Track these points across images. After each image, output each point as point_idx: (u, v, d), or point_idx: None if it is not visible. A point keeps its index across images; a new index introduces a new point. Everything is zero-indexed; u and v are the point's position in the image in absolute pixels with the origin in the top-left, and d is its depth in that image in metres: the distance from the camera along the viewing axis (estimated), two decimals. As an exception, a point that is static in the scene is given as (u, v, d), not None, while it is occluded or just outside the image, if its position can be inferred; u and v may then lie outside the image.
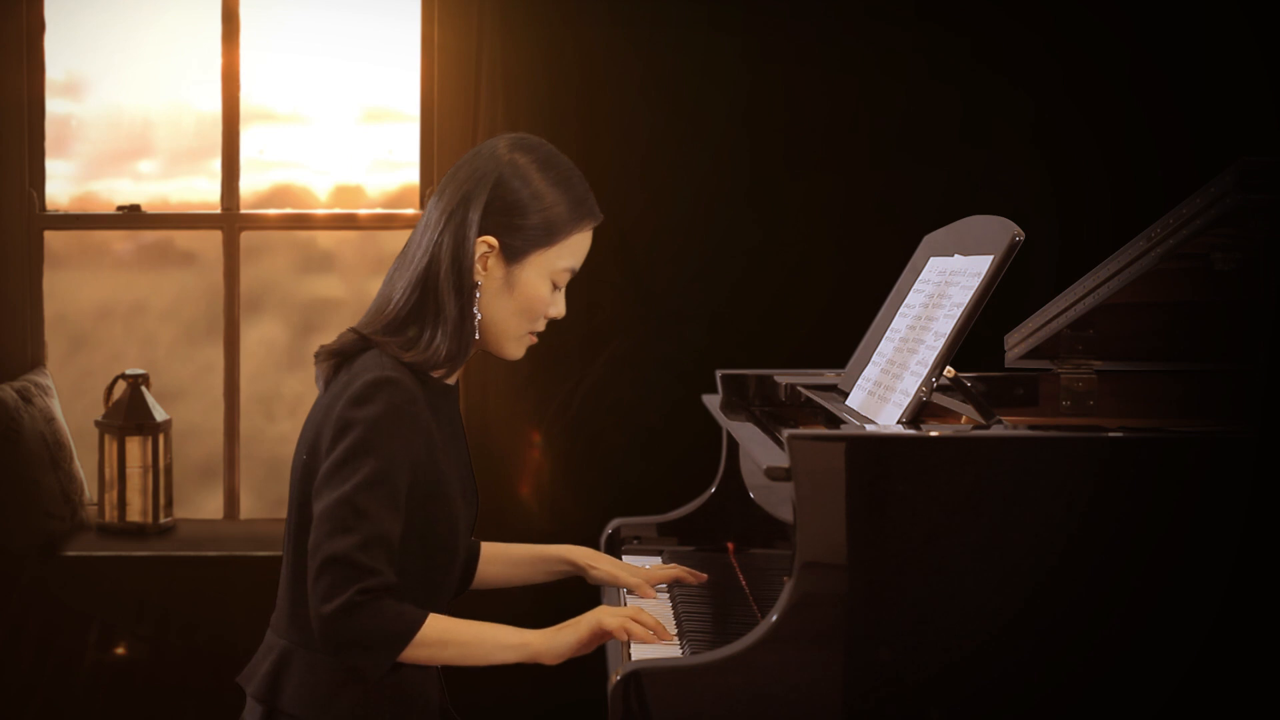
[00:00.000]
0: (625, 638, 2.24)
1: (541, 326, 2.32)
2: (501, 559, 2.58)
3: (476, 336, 2.27)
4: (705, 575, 2.59)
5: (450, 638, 2.16)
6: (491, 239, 2.25)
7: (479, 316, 2.27)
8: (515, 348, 2.32)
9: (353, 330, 2.29)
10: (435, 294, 2.24)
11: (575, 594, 2.74)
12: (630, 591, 2.57)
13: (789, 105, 3.81)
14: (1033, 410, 2.83)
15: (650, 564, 2.74)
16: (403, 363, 2.22)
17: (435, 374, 2.28)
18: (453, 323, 2.23)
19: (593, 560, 2.58)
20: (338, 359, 2.27)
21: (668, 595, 2.59)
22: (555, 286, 2.30)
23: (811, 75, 3.84)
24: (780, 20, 3.86)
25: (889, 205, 3.84)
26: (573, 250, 2.29)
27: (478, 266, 2.25)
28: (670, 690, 2.10)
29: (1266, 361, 2.15)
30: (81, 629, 3.84)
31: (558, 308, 2.32)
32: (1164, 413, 2.73)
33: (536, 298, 2.28)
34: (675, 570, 2.58)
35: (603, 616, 2.23)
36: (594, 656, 2.40)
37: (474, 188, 2.25)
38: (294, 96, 4.22)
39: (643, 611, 2.26)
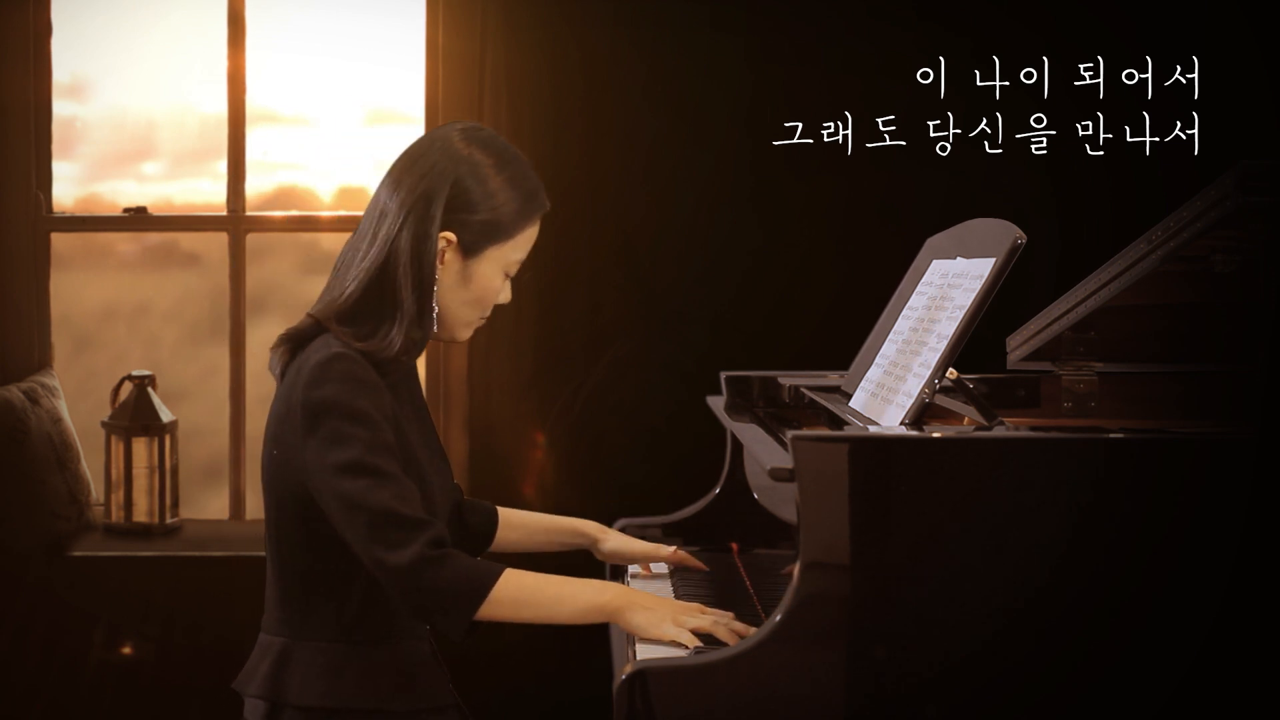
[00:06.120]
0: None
1: (489, 312, 2.36)
2: (520, 525, 2.68)
3: (435, 329, 2.30)
4: (705, 567, 2.70)
5: (527, 596, 2.18)
6: (451, 234, 2.27)
7: (436, 309, 2.29)
8: (464, 333, 2.36)
9: (309, 315, 2.30)
10: (393, 288, 2.25)
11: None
12: (632, 576, 2.70)
13: (790, 106, 3.82)
14: (1034, 412, 2.84)
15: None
16: (353, 348, 2.23)
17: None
18: (410, 317, 2.25)
19: (603, 534, 2.69)
20: (291, 344, 2.29)
21: (672, 594, 2.61)
22: (507, 276, 2.35)
23: (813, 76, 3.85)
24: (782, 21, 3.87)
25: (890, 207, 3.85)
26: (525, 243, 2.34)
27: (436, 262, 2.27)
28: (675, 689, 2.12)
29: (1266, 363, 2.16)
30: (87, 629, 3.85)
31: (506, 295, 2.37)
32: (1165, 414, 2.74)
33: (490, 289, 2.32)
34: (679, 554, 2.68)
35: (697, 619, 2.25)
36: (598, 655, 2.41)
37: (434, 184, 2.26)
38: (298, 98, 4.23)
39: (735, 620, 2.26)
